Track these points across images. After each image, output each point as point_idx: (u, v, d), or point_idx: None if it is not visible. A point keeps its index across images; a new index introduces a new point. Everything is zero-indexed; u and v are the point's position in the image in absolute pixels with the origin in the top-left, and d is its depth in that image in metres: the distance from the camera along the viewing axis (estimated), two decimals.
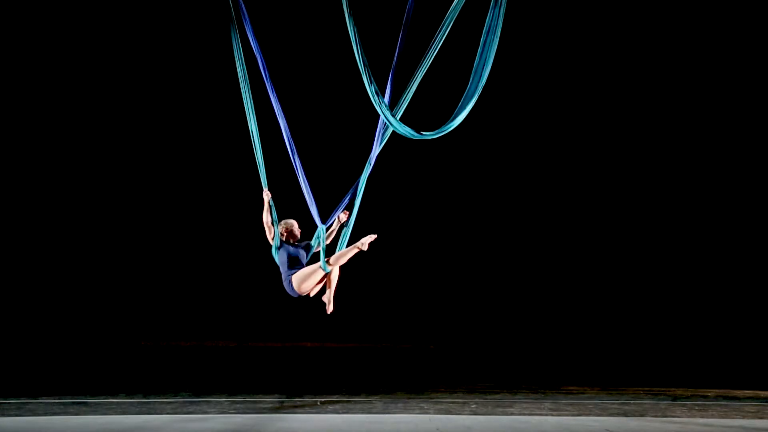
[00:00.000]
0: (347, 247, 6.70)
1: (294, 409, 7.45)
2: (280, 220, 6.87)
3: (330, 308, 6.85)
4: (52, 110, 13.31)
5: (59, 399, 8.08)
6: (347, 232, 6.80)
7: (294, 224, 6.97)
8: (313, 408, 7.54)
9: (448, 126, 6.42)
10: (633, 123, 14.06)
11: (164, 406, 7.56)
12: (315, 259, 6.85)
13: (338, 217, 6.84)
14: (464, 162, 14.03)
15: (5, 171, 13.10)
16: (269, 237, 6.83)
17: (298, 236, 6.99)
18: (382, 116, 6.46)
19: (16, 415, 6.75)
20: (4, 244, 13.06)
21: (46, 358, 12.48)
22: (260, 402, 8.02)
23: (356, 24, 6.33)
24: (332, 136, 12.74)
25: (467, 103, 6.36)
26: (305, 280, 6.69)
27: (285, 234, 6.91)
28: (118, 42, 13.15)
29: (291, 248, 6.82)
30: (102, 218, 13.55)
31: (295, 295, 6.77)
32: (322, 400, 8.27)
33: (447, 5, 6.26)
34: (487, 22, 6.24)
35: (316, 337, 13.97)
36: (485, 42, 6.26)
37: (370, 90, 6.33)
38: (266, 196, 6.78)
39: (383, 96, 6.42)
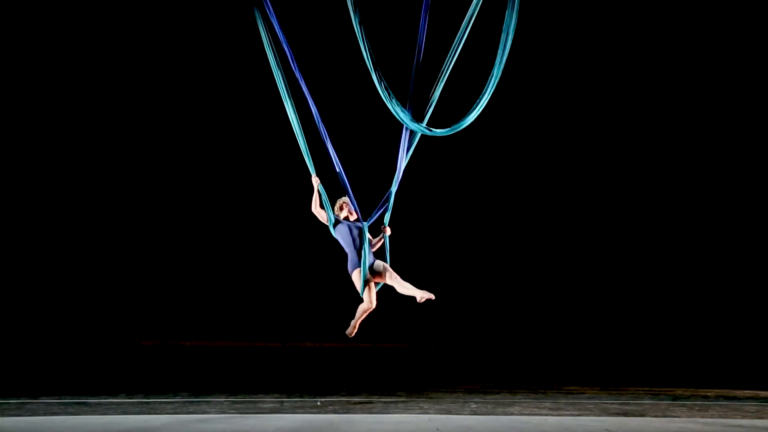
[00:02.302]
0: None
1: (294, 409, 7.45)
2: (332, 203, 6.88)
3: (350, 331, 7.10)
4: (53, 110, 13.31)
5: (59, 399, 8.07)
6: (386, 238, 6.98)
7: (348, 202, 6.97)
8: (313, 408, 7.53)
9: (461, 124, 6.45)
10: (633, 125, 14.07)
11: (164, 406, 7.56)
12: (379, 255, 6.91)
13: (382, 229, 6.96)
14: (464, 164, 14.03)
15: (5, 171, 13.10)
16: (324, 220, 6.86)
17: (354, 214, 6.97)
18: (393, 112, 6.47)
19: (16, 415, 6.75)
20: (4, 245, 13.06)
21: (46, 358, 12.48)
22: (260, 402, 8.02)
23: (365, 24, 6.36)
24: (367, 132, 12.54)
25: (479, 103, 6.39)
26: (357, 281, 6.80)
27: (340, 211, 6.94)
28: (148, 38, 13.15)
29: (349, 223, 6.85)
30: (102, 218, 13.54)
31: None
32: (322, 400, 8.27)
33: (461, 5, 6.29)
34: (505, 23, 6.27)
35: (316, 337, 13.97)
36: (503, 43, 6.28)
37: (380, 87, 6.36)
38: (315, 181, 6.80)
39: (406, 106, 6.50)
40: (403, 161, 6.80)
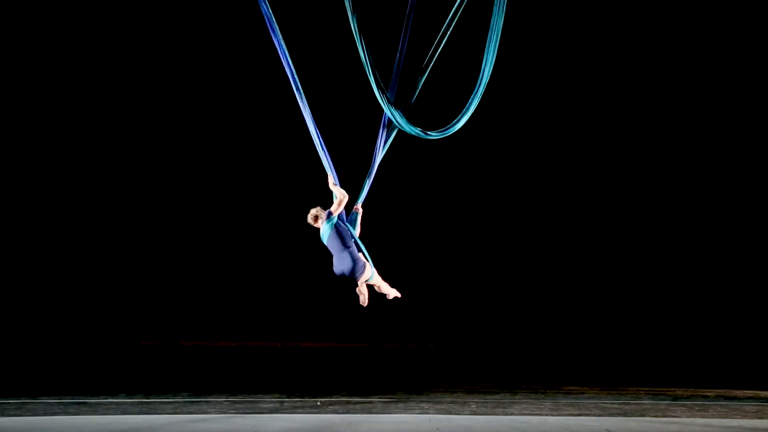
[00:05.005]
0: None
1: (294, 409, 7.45)
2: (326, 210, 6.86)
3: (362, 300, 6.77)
4: (56, 110, 13.31)
5: (59, 399, 8.08)
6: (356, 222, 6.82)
7: (321, 210, 6.90)
8: (313, 408, 7.53)
9: (454, 126, 6.49)
10: (632, 124, 14.06)
11: (164, 406, 7.56)
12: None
13: (355, 209, 6.84)
14: (463, 162, 14.02)
15: (6, 171, 13.10)
16: (338, 203, 6.66)
17: (340, 208, 6.86)
18: (389, 115, 6.48)
19: (16, 415, 6.75)
20: (4, 245, 13.06)
21: (46, 358, 12.48)
22: (260, 402, 8.02)
23: (361, 23, 6.36)
24: (354, 126, 12.51)
25: (471, 104, 6.43)
26: (366, 275, 6.69)
27: (315, 222, 6.86)
28: (157, 41, 13.17)
29: (340, 226, 6.81)
30: (102, 218, 13.54)
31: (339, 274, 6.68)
32: (322, 400, 8.28)
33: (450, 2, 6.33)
34: (492, 22, 6.31)
35: (316, 337, 13.97)
36: (489, 41, 6.33)
37: (377, 90, 6.37)
38: (340, 192, 6.67)
39: (388, 92, 6.46)
40: (379, 154, 6.70)
